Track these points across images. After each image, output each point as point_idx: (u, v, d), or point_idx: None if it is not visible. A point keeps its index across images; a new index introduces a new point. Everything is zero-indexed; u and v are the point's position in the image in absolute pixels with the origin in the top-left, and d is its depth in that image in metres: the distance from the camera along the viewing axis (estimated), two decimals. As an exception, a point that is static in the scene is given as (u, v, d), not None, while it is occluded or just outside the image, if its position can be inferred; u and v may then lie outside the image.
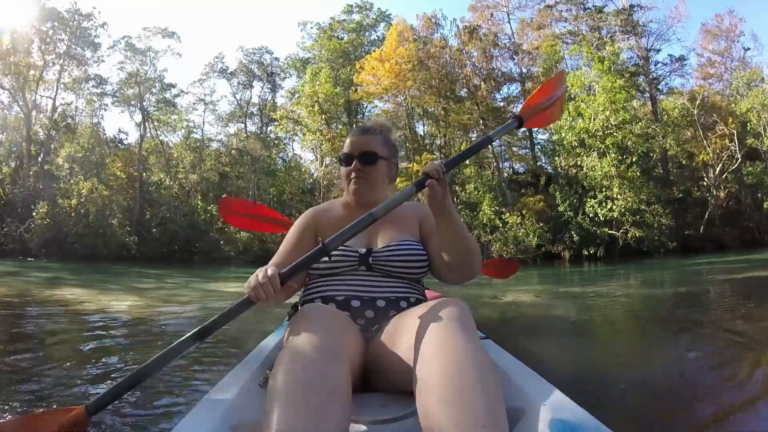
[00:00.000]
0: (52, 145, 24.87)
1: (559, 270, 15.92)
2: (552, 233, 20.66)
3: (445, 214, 1.34)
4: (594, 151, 18.61)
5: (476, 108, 23.65)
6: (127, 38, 26.64)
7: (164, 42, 28.22)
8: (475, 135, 25.20)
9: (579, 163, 19.32)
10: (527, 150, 24.70)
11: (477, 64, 23.41)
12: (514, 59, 23.76)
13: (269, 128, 29.87)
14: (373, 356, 1.31)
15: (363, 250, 1.47)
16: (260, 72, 30.50)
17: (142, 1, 51.87)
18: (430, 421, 0.87)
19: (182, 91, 29.54)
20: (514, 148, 25.53)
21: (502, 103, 24.66)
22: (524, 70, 23.63)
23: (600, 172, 18.29)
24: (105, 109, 28.43)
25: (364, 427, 1.09)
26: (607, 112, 17.14)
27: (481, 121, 23.83)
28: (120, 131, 29.06)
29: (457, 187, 23.51)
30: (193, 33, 59.65)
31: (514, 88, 24.64)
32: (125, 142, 28.75)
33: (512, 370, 1.31)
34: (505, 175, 24.47)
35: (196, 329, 1.18)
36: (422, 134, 27.68)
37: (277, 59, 30.77)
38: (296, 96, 28.56)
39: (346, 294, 1.41)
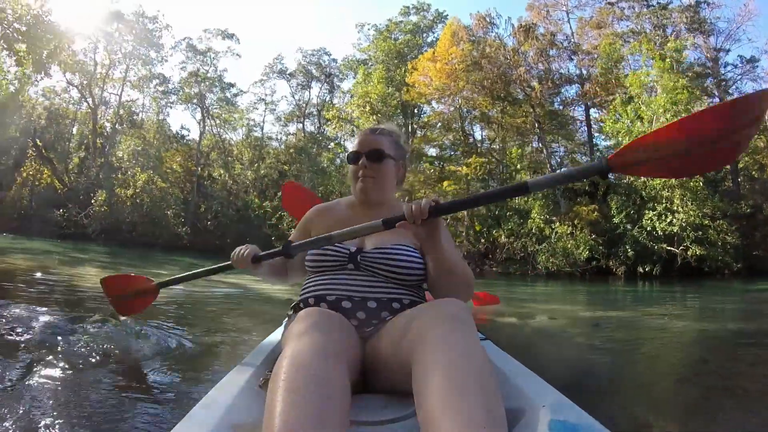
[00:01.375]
0: (119, 138, 26.70)
1: (610, 287, 14.88)
2: (605, 246, 19.46)
3: (434, 251, 1.39)
4: (654, 157, 17.36)
5: (532, 111, 22.86)
6: (188, 39, 28.24)
7: (224, 43, 29.58)
8: (536, 143, 24.48)
9: (637, 170, 18.09)
10: (586, 156, 23.49)
11: (533, 65, 22.62)
12: (572, 59, 22.77)
13: (324, 128, 30.40)
14: (371, 357, 1.33)
15: (353, 249, 1.50)
16: (318, 73, 31.21)
17: (203, 3, 55.26)
18: (428, 422, 0.87)
19: (241, 91, 30.74)
20: (575, 155, 24.38)
21: (560, 107, 23.65)
22: (584, 72, 22.55)
23: (659, 181, 17.01)
24: (171, 107, 30.09)
25: (363, 428, 1.11)
26: (668, 115, 15.89)
27: (536, 125, 23.00)
28: (182, 127, 30.67)
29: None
30: (252, 34, 61.79)
31: (573, 90, 23.59)
32: (187, 138, 30.37)
33: (512, 371, 1.35)
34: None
35: (205, 269, 1.96)
36: (480, 137, 27.26)
37: (335, 60, 31.40)
38: (350, 96, 29.00)
39: (338, 294, 1.43)
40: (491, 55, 22.84)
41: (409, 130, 28.28)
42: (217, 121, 30.22)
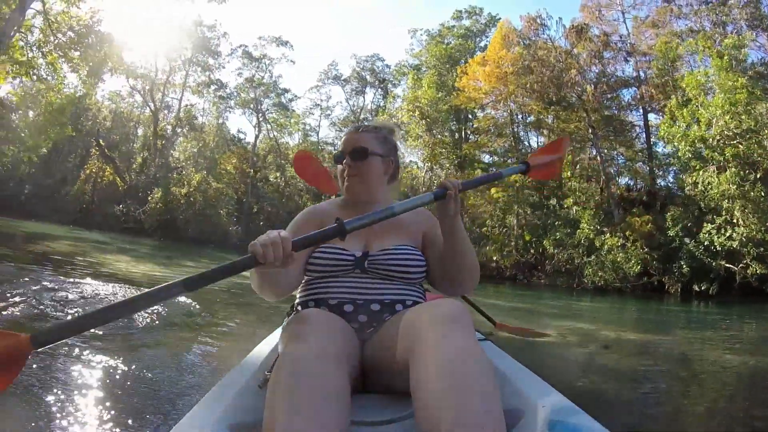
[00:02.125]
0: (180, 140, 28.33)
1: (661, 306, 13.81)
2: (660, 261, 18.05)
3: (454, 230, 1.41)
4: (712, 164, 15.90)
5: (586, 116, 21.78)
6: (244, 47, 29.57)
7: (278, 50, 30.60)
8: (593, 151, 23.23)
9: (695, 179, 16.62)
10: (643, 164, 22.02)
11: (586, 68, 21.57)
12: (628, 61, 21.44)
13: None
14: (370, 358, 1.34)
15: (359, 253, 1.49)
16: (372, 79, 31.57)
17: (258, 12, 57.76)
18: (427, 423, 0.88)
19: (296, 96, 31.72)
20: (635, 163, 22.91)
21: (616, 111, 22.33)
22: (641, 74, 21.16)
23: (716, 191, 15.56)
24: (230, 111, 31.47)
25: (362, 428, 1.11)
26: (727, 117, 14.51)
27: (590, 130, 21.88)
28: (239, 131, 32.02)
29: (552, 202, 21.85)
30: (307, 42, 64.33)
31: (629, 94, 22.20)
32: (244, 141, 31.66)
33: (511, 372, 1.35)
34: (616, 190, 22.07)
35: (183, 279, 1.04)
36: (534, 144, 26.36)
37: (388, 66, 31.65)
38: (400, 101, 29.10)
39: (339, 297, 1.42)
40: (542, 58, 22.02)
41: (462, 135, 27.91)
42: (273, 126, 31.25)
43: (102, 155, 24.81)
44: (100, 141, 24.76)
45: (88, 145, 24.31)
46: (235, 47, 29.51)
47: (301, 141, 32.54)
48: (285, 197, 29.32)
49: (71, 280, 5.38)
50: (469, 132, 27.97)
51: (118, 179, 25.06)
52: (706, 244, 16.44)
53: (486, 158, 27.58)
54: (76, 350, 2.87)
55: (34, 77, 16.12)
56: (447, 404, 0.87)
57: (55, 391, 2.10)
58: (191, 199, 24.62)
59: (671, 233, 17.87)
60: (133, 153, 27.67)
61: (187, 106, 29.16)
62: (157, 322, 3.78)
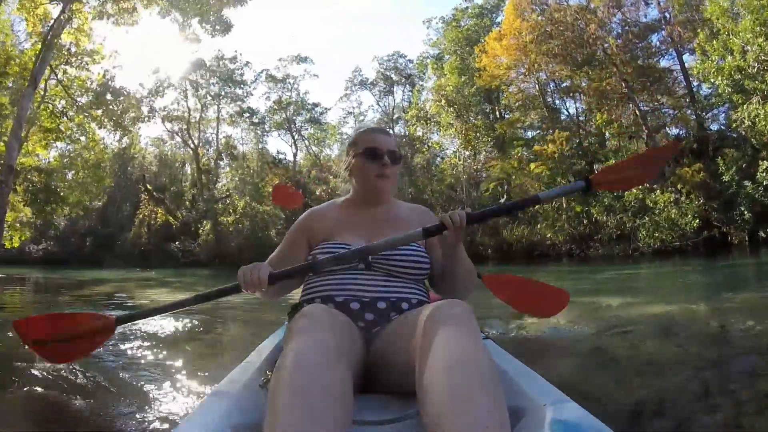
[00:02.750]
0: (223, 171, 29.63)
1: (728, 261, 12.52)
2: (719, 211, 16.57)
3: (454, 256, 1.48)
4: (756, 94, 14.30)
5: (615, 70, 20.44)
6: (266, 71, 30.24)
7: (300, 68, 31.14)
8: (639, 108, 21.66)
9: (741, 114, 15.03)
10: (689, 109, 20.22)
11: (606, 20, 20.22)
12: (649, 4, 19.81)
13: (405, 130, 30.46)
14: (374, 357, 1.35)
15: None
16: (397, 77, 31.37)
17: (274, 35, 59.34)
18: (431, 422, 0.89)
19: (326, 109, 32.08)
20: (675, 110, 21.15)
21: (646, 60, 20.72)
22: (667, 15, 19.45)
23: (765, 122, 13.99)
24: (267, 135, 32.42)
25: (365, 428, 1.12)
26: (760, 40, 12.98)
27: (623, 85, 20.47)
28: (278, 152, 32.88)
29: (597, 167, 20.60)
30: (327, 53, 64.37)
31: (658, 39, 20.50)
32: (285, 160, 32.47)
33: (513, 371, 1.34)
34: (661, 143, 20.46)
35: (194, 295, 1.54)
36: (573, 112, 25.15)
37: (410, 61, 31.29)
38: (425, 93, 28.79)
39: (346, 296, 1.44)
40: (559, 20, 20.93)
41: (497, 115, 27.08)
42: (310, 141, 31.89)
43: (151, 198, 26.45)
44: (147, 186, 26.43)
45: (138, 191, 26.01)
46: (258, 73, 30.36)
47: (341, 151, 32.88)
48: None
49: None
50: (503, 111, 27.09)
51: (171, 218, 26.51)
52: (765, 184, 14.88)
53: (528, 134, 26.65)
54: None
55: (67, 140, 17.39)
56: (452, 404, 0.87)
57: (54, 391, 2.17)
58: (239, 225, 25.55)
59: (726, 178, 16.36)
60: (183, 191, 29.19)
61: (225, 137, 30.41)
62: (158, 321, 3.88)
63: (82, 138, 17.73)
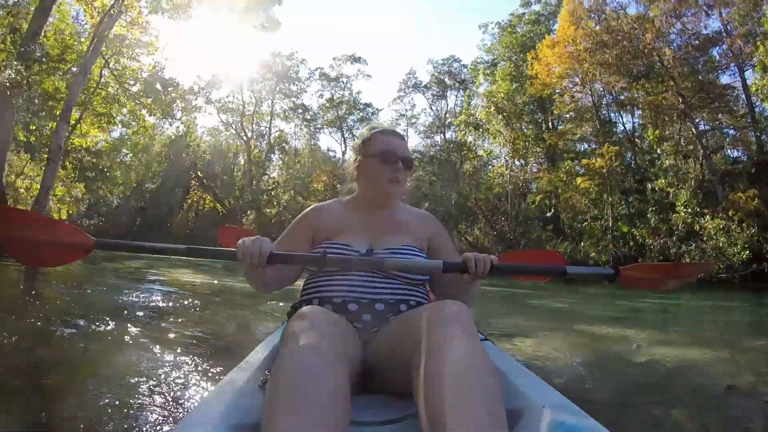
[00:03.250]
0: (273, 164, 30.64)
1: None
2: (773, 242, 15.18)
3: (463, 287, 1.50)
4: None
5: (671, 83, 19.21)
6: (320, 69, 30.91)
7: (353, 67, 31.57)
8: (696, 125, 20.20)
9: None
10: (750, 130, 18.58)
11: (663, 30, 19.01)
12: (710, 14, 18.36)
13: (455, 135, 30.11)
14: (373, 357, 1.36)
15: (363, 250, 1.55)
16: (451, 81, 31.12)
17: (329, 34, 60.04)
18: (430, 422, 0.90)
19: (377, 110, 32.38)
20: (734, 131, 19.54)
21: (705, 75, 19.25)
22: (730, 27, 17.94)
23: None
24: (320, 132, 33.17)
25: (363, 428, 1.12)
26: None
27: (680, 100, 19.21)
28: (328, 149, 33.55)
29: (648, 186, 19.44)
30: (382, 55, 66.40)
31: (719, 52, 18.96)
32: (334, 158, 33.05)
33: (511, 372, 1.35)
34: (717, 165, 18.99)
35: (186, 246, 1.51)
36: (628, 127, 23.87)
37: (464, 66, 30.94)
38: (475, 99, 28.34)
39: (344, 296, 1.45)
40: (615, 28, 19.96)
41: (549, 126, 26.20)
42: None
43: (201, 185, 27.77)
44: (198, 173, 27.79)
45: (189, 177, 27.44)
46: (313, 70, 31.10)
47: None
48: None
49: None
50: (555, 121, 26.17)
51: (218, 205, 27.70)
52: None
53: (580, 147, 25.56)
54: (79, 346, 3.17)
55: (119, 125, 18.56)
56: (450, 405, 0.87)
57: (52, 390, 2.20)
58: (282, 218, 26.30)
59: (781, 206, 14.93)
60: (234, 180, 30.42)
61: (278, 131, 31.37)
62: (159, 321, 3.98)
63: (133, 123, 18.95)
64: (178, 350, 3.06)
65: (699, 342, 4.39)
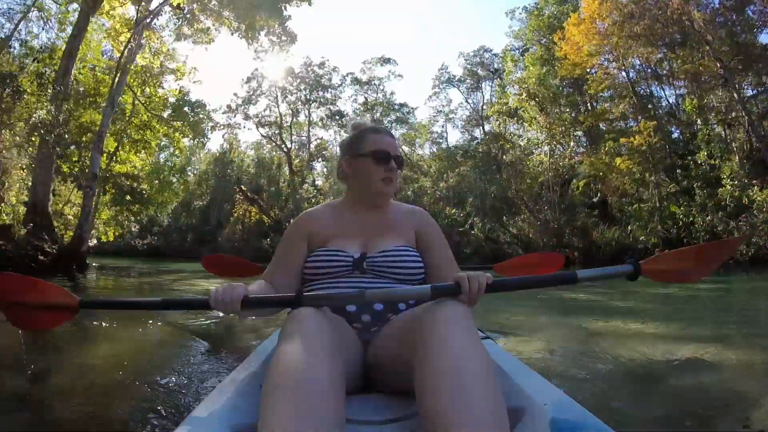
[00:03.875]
0: (315, 172, 31.46)
1: None
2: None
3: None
4: None
5: (706, 48, 17.76)
6: (351, 74, 31.38)
7: (384, 69, 31.65)
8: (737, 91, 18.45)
9: None
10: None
11: (691, -9, 17.58)
12: None
13: (491, 127, 29.42)
14: (373, 357, 1.36)
15: (357, 255, 1.53)
16: (484, 72, 30.49)
17: (358, 38, 59.63)
18: (431, 422, 0.89)
19: (413, 108, 32.28)
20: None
21: (745, 36, 17.56)
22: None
23: None
24: (360, 137, 33.29)
25: (364, 427, 1.12)
26: None
27: (718, 65, 17.71)
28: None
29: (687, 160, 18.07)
30: (412, 53, 66.04)
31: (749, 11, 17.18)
32: (376, 161, 33.24)
33: (512, 370, 1.35)
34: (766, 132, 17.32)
35: (162, 299, 1.45)
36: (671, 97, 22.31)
37: (496, 55, 30.22)
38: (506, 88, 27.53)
39: None
40: (641, -4, 18.74)
41: (589, 107, 24.97)
42: (399, 142, 32.32)
43: (245, 198, 28.93)
44: (242, 187, 29.01)
45: (234, 191, 28.80)
46: (344, 76, 31.53)
47: (437, 150, 32.79)
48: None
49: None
50: (594, 102, 24.90)
51: (264, 217, 28.74)
52: None
53: (622, 126, 24.10)
54: (78, 345, 3.22)
55: (155, 149, 19.81)
56: (451, 404, 0.88)
57: (51, 391, 2.24)
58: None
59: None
60: (280, 191, 31.48)
61: (317, 140, 32.13)
62: (159, 322, 3.99)
63: (170, 146, 20.21)
64: (179, 350, 3.10)
65: (733, 336, 3.69)
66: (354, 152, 1.62)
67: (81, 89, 16.60)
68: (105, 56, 18.53)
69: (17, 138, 13.59)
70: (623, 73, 21.81)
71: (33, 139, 13.31)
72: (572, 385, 2.26)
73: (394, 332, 1.29)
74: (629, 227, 19.86)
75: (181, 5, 16.30)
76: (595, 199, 24.13)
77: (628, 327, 4.05)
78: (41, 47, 15.33)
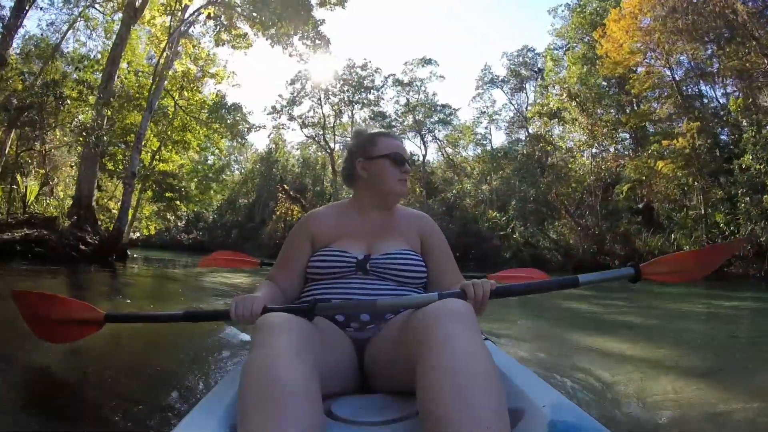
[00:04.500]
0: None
1: None
2: None
3: None
4: None
5: (753, 43, 16.38)
6: (393, 75, 31.32)
7: (425, 70, 31.41)
8: None
9: None
10: None
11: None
12: None
13: (529, 129, 28.50)
14: (373, 357, 1.36)
15: (361, 256, 1.54)
16: (527, 72, 29.64)
17: (399, 40, 58.80)
18: (432, 422, 0.88)
19: (455, 110, 31.96)
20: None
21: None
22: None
23: None
24: (403, 137, 33.47)
25: (364, 428, 1.11)
26: None
27: (765, 61, 16.29)
28: (411, 154, 33.69)
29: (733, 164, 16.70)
30: (454, 54, 65.20)
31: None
32: (417, 162, 33.18)
33: (511, 372, 1.34)
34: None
35: (184, 312, 1.56)
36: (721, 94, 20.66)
37: (539, 55, 29.27)
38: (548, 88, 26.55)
39: (342, 298, 1.46)
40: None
41: (635, 108, 23.61)
42: (442, 143, 32.10)
43: (288, 197, 29.79)
44: (285, 186, 29.92)
45: (277, 190, 29.82)
46: (386, 77, 31.53)
47: (481, 152, 32.27)
48: (456, 209, 29.46)
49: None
50: (640, 102, 23.50)
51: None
52: None
53: (668, 127, 22.59)
54: (76, 344, 3.38)
55: (194, 150, 20.93)
56: (453, 404, 0.87)
57: (51, 390, 2.22)
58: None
59: None
60: (324, 191, 32.19)
61: (359, 141, 32.33)
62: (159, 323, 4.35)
63: (210, 147, 21.28)
64: (179, 350, 3.10)
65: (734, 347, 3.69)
66: (368, 155, 1.65)
67: (127, 93, 17.87)
68: (148, 62, 19.69)
69: (65, 138, 14.86)
70: (668, 72, 20.46)
71: (80, 139, 14.46)
72: (570, 388, 2.27)
73: (394, 333, 1.27)
74: (672, 235, 18.68)
75: (212, 15, 17.12)
76: (640, 205, 22.86)
77: (627, 334, 4.05)
78: (81, 57, 16.55)
